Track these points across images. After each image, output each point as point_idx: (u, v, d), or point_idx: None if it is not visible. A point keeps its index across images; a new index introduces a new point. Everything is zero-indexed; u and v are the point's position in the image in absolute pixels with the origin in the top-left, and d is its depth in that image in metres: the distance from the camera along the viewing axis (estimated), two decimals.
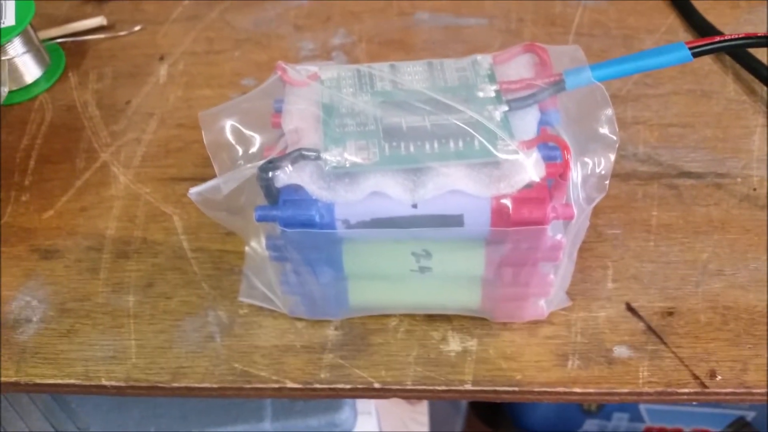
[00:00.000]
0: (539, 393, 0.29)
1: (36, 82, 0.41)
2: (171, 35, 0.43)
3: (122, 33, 0.43)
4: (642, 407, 0.80)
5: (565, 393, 0.28)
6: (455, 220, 0.24)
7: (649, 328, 0.30)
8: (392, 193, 0.24)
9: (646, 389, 0.29)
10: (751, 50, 0.39)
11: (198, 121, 0.37)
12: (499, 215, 0.24)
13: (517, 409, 0.86)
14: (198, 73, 0.41)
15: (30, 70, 0.41)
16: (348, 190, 0.24)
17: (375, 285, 0.29)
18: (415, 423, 0.67)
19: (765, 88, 0.38)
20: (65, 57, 0.42)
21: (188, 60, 0.42)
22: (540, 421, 0.85)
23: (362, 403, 0.56)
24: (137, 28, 0.43)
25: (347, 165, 0.24)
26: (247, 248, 0.30)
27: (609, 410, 0.80)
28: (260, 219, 0.25)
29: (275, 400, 0.50)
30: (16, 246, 0.34)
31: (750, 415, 0.77)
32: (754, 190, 0.34)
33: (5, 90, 0.38)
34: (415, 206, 0.24)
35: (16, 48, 0.40)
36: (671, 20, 0.42)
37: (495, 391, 0.29)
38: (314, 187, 0.24)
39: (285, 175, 0.24)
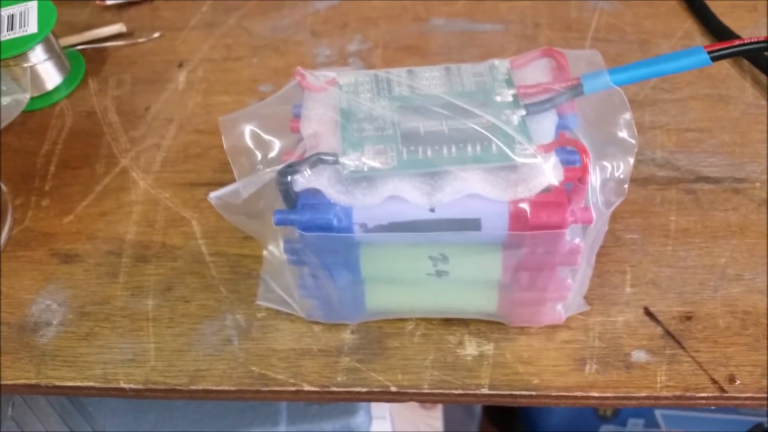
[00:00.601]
0: (556, 397, 0.29)
1: (57, 89, 0.42)
2: (189, 42, 0.43)
3: (141, 40, 0.44)
4: (658, 412, 0.79)
5: (582, 397, 0.28)
6: (473, 224, 0.25)
7: (668, 333, 0.30)
8: (410, 197, 0.24)
9: (664, 393, 0.28)
10: None
11: (217, 127, 0.37)
12: (517, 219, 0.24)
13: (532, 413, 0.86)
14: (216, 80, 0.41)
15: (51, 77, 0.42)
16: (366, 194, 0.24)
17: (392, 289, 0.29)
18: (429, 427, 0.67)
19: None
20: (85, 64, 0.43)
21: (207, 66, 0.42)
22: (555, 426, 0.85)
23: (377, 407, 0.56)
24: (156, 35, 0.44)
25: (365, 169, 0.24)
26: (264, 252, 0.30)
27: (624, 416, 0.79)
28: (279, 223, 0.25)
29: (291, 404, 0.50)
30: (37, 250, 0.35)
31: None
32: None
33: (27, 96, 0.39)
34: (432, 210, 0.24)
35: (38, 55, 0.41)
36: (688, 24, 0.42)
37: (512, 395, 0.29)
38: (332, 191, 0.24)
39: (304, 179, 0.24)
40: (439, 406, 0.65)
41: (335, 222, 0.25)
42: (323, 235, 0.25)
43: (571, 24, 0.42)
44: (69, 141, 0.39)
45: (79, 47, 0.44)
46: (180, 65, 0.42)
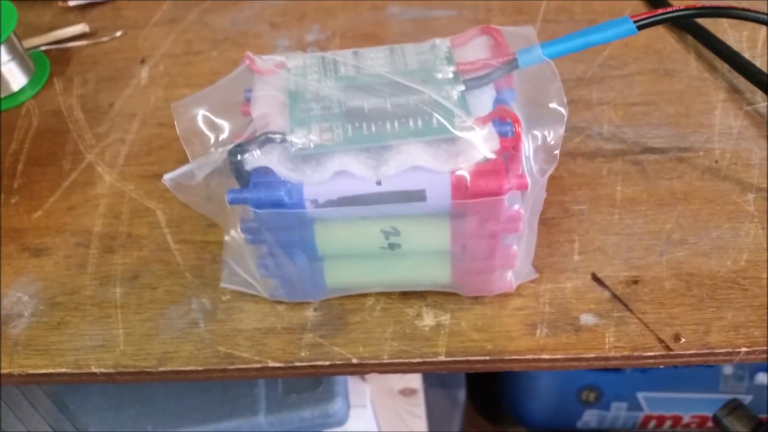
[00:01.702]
0: (509, 361, 0.30)
1: (22, 90, 0.43)
2: (151, 39, 0.44)
3: (104, 39, 0.45)
4: (640, 395, 0.81)
5: (534, 360, 0.30)
6: (418, 195, 0.26)
7: (615, 296, 0.31)
8: (357, 171, 0.25)
9: (612, 354, 0.30)
10: (713, 29, 0.40)
11: None
12: (458, 188, 0.25)
13: (517, 402, 0.87)
14: (178, 74, 0.42)
15: (16, 78, 0.43)
16: (315, 170, 0.25)
17: (349, 265, 0.30)
18: (412, 416, 0.68)
19: (725, 64, 0.40)
20: (50, 64, 0.44)
21: (168, 62, 0.43)
22: (539, 413, 0.86)
23: (355, 396, 0.57)
24: (118, 33, 0.45)
25: (312, 146, 0.25)
26: (226, 237, 0.31)
27: (607, 400, 0.81)
28: (232, 202, 0.26)
29: (269, 394, 0.51)
30: (7, 246, 0.36)
31: (747, 399, 0.78)
32: (716, 162, 0.36)
33: None
34: (379, 183, 0.25)
35: (0, 57, 0.42)
36: (635, 3, 0.44)
37: (467, 361, 0.30)
38: (282, 169, 0.25)
39: (253, 158, 0.25)
40: (420, 394, 0.66)
41: (286, 198, 0.26)
42: (276, 211, 0.26)
43: (522, 8, 0.44)
44: (36, 140, 0.40)
45: (43, 48, 0.45)
46: (142, 61, 0.43)
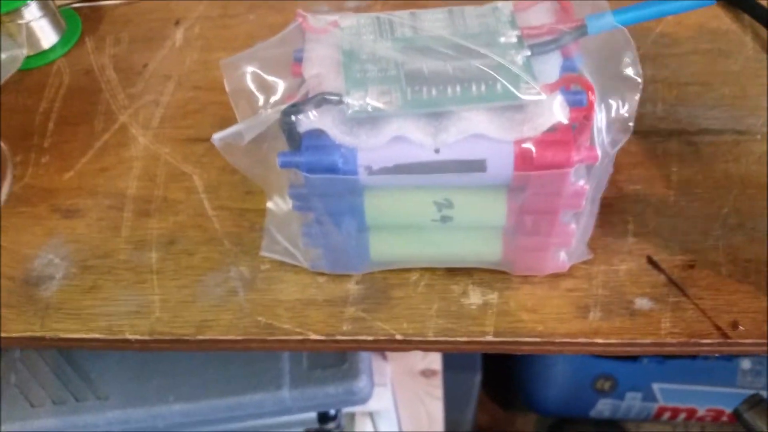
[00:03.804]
0: (560, 344, 0.29)
1: (53, 48, 0.42)
2: (185, 0, 0.43)
3: None
4: (656, 386, 0.80)
5: (586, 344, 0.29)
6: (478, 165, 0.24)
7: (671, 281, 0.30)
8: (414, 137, 0.24)
9: (668, 340, 0.28)
10: None
11: (215, 84, 0.37)
12: (523, 159, 0.24)
13: (530, 389, 0.86)
14: (213, 37, 0.41)
15: (47, 35, 0.41)
16: (370, 135, 0.24)
17: (396, 237, 0.29)
18: (431, 398, 0.67)
19: None
20: (81, 22, 0.43)
21: (203, 24, 0.42)
22: (552, 402, 0.85)
23: (376, 375, 0.56)
24: None
25: (369, 109, 0.24)
26: (269, 204, 0.30)
27: (622, 390, 0.80)
28: (283, 165, 0.25)
29: (293, 369, 0.50)
30: (38, 206, 0.35)
31: (764, 394, 0.77)
32: None
33: (24, 52, 0.38)
34: (437, 151, 0.24)
35: (32, 12, 0.40)
36: None
37: (516, 342, 0.29)
38: (336, 132, 0.24)
39: (308, 120, 0.24)
40: (439, 375, 0.66)
41: (340, 163, 0.25)
42: (328, 177, 0.25)
43: None
44: (67, 98, 0.39)
45: (75, 6, 0.43)
46: (176, 23, 0.42)
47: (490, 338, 0.29)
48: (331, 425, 0.56)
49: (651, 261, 0.31)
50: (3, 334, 0.31)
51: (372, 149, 0.24)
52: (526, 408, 0.91)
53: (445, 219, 0.27)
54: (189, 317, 0.30)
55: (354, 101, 0.24)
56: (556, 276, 0.30)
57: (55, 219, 0.34)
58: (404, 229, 0.29)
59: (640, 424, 0.90)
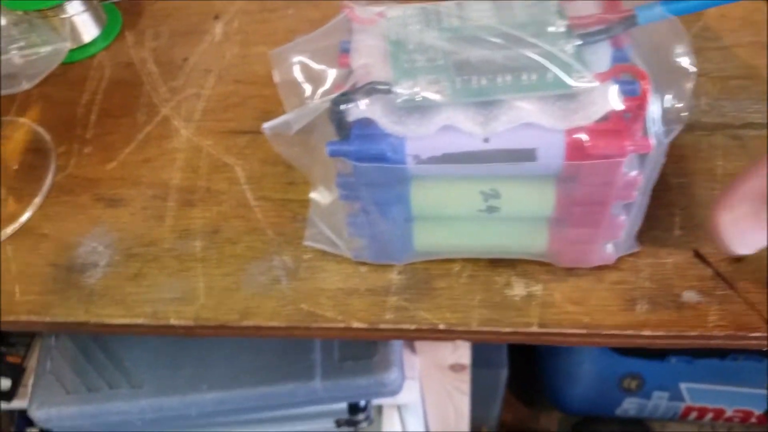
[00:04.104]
0: (607, 336, 0.28)
1: (93, 42, 0.42)
2: None
3: None
4: (683, 386, 0.79)
5: (634, 336, 0.28)
6: (528, 155, 0.24)
7: (718, 274, 0.30)
8: (464, 127, 0.24)
9: (715, 333, 0.28)
10: None
11: (256, 77, 0.38)
12: (574, 149, 0.24)
13: (555, 386, 0.86)
14: (252, 31, 0.41)
15: (88, 29, 0.42)
16: (419, 124, 0.24)
17: (440, 227, 0.29)
18: (458, 392, 0.67)
19: None
20: (122, 17, 0.43)
21: (242, 19, 0.42)
22: (578, 400, 0.85)
23: (408, 368, 0.56)
24: None
25: (418, 99, 0.24)
26: (312, 194, 0.30)
27: (649, 389, 0.79)
28: (332, 154, 0.25)
29: (324, 359, 0.50)
30: (81, 195, 0.35)
31: None
32: None
33: (67, 45, 0.39)
34: (486, 140, 0.24)
35: (75, 7, 0.41)
36: None
37: (562, 334, 0.29)
38: (386, 121, 0.24)
39: (357, 109, 0.24)
40: (468, 370, 0.66)
41: (389, 152, 0.25)
42: (376, 166, 0.25)
43: None
44: (109, 91, 0.39)
45: (115, 0, 0.44)
46: (216, 17, 0.42)
47: (534, 329, 0.29)
48: (360, 416, 0.56)
49: (698, 254, 0.30)
50: (47, 319, 0.32)
51: (420, 138, 0.24)
52: (551, 406, 0.90)
53: (491, 209, 0.27)
54: (233, 304, 0.30)
55: (403, 90, 0.24)
56: (602, 268, 0.30)
57: (99, 208, 0.35)
58: (449, 220, 0.29)
59: (665, 423, 0.89)
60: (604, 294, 0.29)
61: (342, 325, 0.29)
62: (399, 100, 0.24)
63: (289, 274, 0.31)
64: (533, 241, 0.29)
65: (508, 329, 0.29)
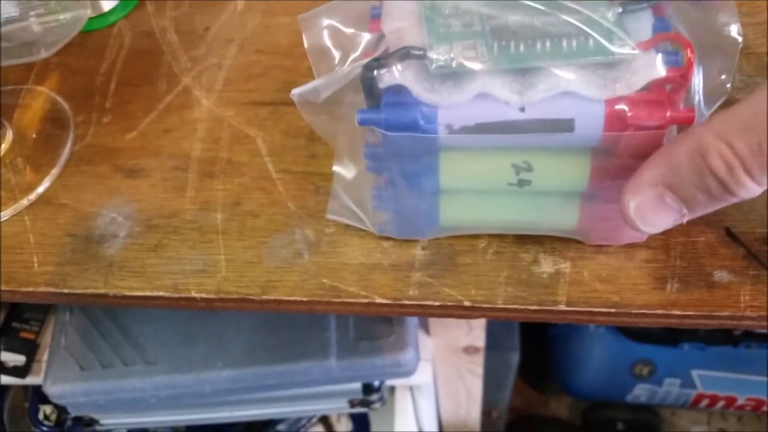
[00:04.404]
0: (636, 315, 0.28)
1: (113, 10, 0.41)
2: None
3: None
4: (695, 373, 0.79)
5: (664, 315, 0.28)
6: (565, 125, 0.24)
7: (750, 254, 0.29)
8: (499, 94, 0.23)
9: (748, 313, 0.28)
10: None
11: (278, 48, 0.37)
12: (614, 119, 0.23)
13: (566, 372, 0.85)
14: (276, 1, 0.40)
15: None
16: (453, 91, 0.23)
17: (468, 201, 0.28)
18: (472, 375, 0.67)
19: None
20: None
21: None
22: (588, 385, 0.84)
23: (422, 350, 0.56)
24: None
25: (454, 64, 0.23)
26: (336, 166, 0.30)
27: (660, 375, 0.79)
28: (362, 122, 0.24)
29: (340, 338, 0.50)
30: (100, 165, 0.35)
31: None
32: None
33: (87, 12, 0.38)
34: (522, 110, 0.23)
35: None
36: None
37: (590, 312, 0.28)
38: (419, 88, 0.24)
39: (390, 74, 0.24)
40: (482, 353, 0.65)
41: (421, 121, 0.24)
42: (407, 135, 0.24)
43: None
44: (128, 60, 0.39)
45: None
46: None
47: (562, 307, 0.28)
48: (374, 396, 0.56)
49: (730, 233, 0.30)
50: (65, 291, 0.31)
51: (454, 107, 0.24)
52: (561, 391, 0.90)
53: (522, 183, 0.26)
54: (254, 277, 0.30)
55: (438, 56, 0.23)
56: (632, 246, 0.29)
57: (118, 178, 0.34)
58: (478, 194, 0.28)
59: (676, 410, 0.89)
60: (634, 272, 0.29)
61: (365, 300, 0.29)
62: (433, 66, 0.23)
63: (311, 248, 0.30)
64: (563, 217, 0.28)
65: (534, 307, 0.28)
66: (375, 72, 0.24)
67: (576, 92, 0.23)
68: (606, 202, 0.27)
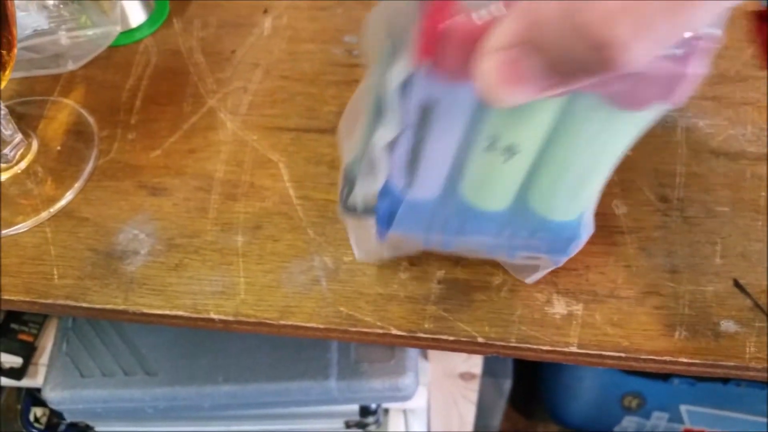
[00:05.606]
0: (645, 360, 0.29)
1: (140, 27, 0.42)
2: None
3: None
4: (683, 408, 0.79)
5: (671, 362, 0.28)
6: None
7: (757, 305, 0.30)
8: None
9: (752, 365, 0.28)
10: None
11: (302, 74, 0.37)
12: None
13: (556, 401, 0.86)
14: (302, 28, 0.41)
15: (135, 13, 0.42)
16: None
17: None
18: (465, 401, 0.67)
19: None
20: (170, 4, 0.43)
21: (292, 14, 0.42)
22: (577, 415, 0.85)
23: (421, 375, 0.56)
24: None
25: None
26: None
27: (649, 409, 0.79)
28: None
29: (341, 360, 0.51)
30: (123, 181, 0.35)
31: None
32: None
33: (117, 29, 0.39)
34: None
35: None
36: None
37: (601, 356, 0.29)
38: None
39: None
40: (478, 379, 0.66)
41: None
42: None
43: None
44: (154, 78, 0.40)
45: None
46: (265, 11, 0.42)
47: (574, 349, 0.29)
48: (370, 419, 0.56)
49: (738, 284, 0.30)
50: (85, 305, 0.32)
51: None
52: (549, 419, 0.91)
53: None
54: (273, 302, 0.31)
55: None
56: (644, 293, 0.30)
57: (141, 195, 0.35)
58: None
59: None
60: (644, 318, 0.29)
61: (380, 331, 0.30)
62: None
63: (329, 276, 0.31)
64: None
65: (546, 347, 0.29)
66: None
67: None
68: None
